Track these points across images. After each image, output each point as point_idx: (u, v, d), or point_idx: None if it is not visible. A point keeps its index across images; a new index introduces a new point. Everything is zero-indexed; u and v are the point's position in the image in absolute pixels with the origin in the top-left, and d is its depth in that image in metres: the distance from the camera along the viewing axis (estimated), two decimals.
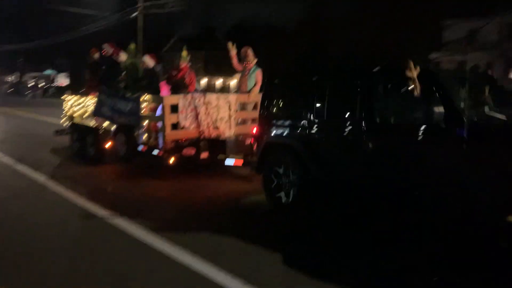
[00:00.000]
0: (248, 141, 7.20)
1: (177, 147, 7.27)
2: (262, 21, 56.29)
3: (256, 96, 8.05)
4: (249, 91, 8.07)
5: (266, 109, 5.97)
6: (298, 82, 5.52)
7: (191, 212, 5.74)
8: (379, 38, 34.57)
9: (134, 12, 32.01)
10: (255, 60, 8.23)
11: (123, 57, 9.01)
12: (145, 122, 7.86)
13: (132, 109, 7.81)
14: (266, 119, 5.90)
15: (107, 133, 8.76)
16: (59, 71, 64.96)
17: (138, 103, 7.71)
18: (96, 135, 8.90)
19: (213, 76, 57.75)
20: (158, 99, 7.64)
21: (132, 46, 9.37)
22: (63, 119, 10.66)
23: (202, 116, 7.34)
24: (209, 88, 57.46)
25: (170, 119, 7.20)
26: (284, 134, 5.58)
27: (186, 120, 7.28)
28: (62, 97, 10.81)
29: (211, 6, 47.76)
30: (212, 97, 7.60)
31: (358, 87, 4.81)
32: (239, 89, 8.38)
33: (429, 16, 31.14)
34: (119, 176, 8.04)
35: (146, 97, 7.72)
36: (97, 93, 9.08)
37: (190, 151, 7.17)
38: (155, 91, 8.16)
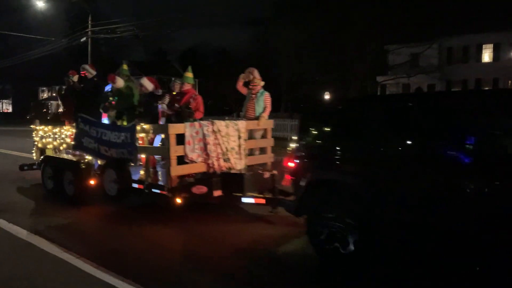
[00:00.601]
0: (267, 175, 6.11)
1: (185, 184, 6.00)
2: (213, 45, 55.45)
3: (266, 122, 7.08)
4: (257, 117, 7.01)
5: (311, 139, 4.89)
6: (379, 109, 4.38)
7: (215, 269, 4.48)
8: (326, 61, 34.73)
9: (83, 37, 30.09)
10: (262, 83, 7.20)
11: (120, 82, 7.51)
12: (142, 155, 6.60)
13: (126, 140, 6.45)
14: (309, 152, 4.84)
15: (89, 168, 7.31)
16: (1, 97, 60.28)
17: (133, 133, 6.38)
18: (77, 170, 7.34)
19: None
20: (161, 128, 6.41)
21: (125, 67, 7.90)
22: (34, 152, 9.11)
23: (211, 146, 6.17)
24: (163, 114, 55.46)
25: (176, 151, 5.96)
26: (341, 170, 4.48)
27: (193, 152, 6.07)
28: (32, 126, 9.22)
29: (162, 31, 46.03)
30: (221, 124, 6.41)
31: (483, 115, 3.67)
32: (245, 115, 7.25)
33: (374, 41, 31.66)
34: (111, 221, 6.52)
35: (144, 126, 6.42)
36: (75, 122, 7.64)
37: (201, 189, 5.85)
38: (154, 119, 6.93)
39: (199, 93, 7.85)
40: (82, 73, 8.05)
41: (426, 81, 34.58)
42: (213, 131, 6.24)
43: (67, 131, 8.11)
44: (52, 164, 8.09)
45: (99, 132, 6.96)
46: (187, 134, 6.05)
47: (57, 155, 8.13)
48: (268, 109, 7.08)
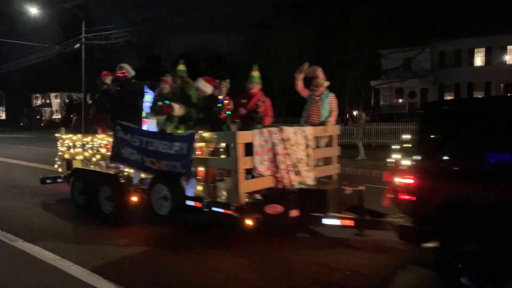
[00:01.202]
0: (350, 190, 5.10)
1: (256, 202, 4.96)
2: (207, 50, 54.61)
3: (334, 128, 6.11)
4: (322, 122, 6.04)
5: (443, 150, 3.89)
6: None
7: None
8: (321, 64, 34.11)
9: (76, 43, 28.75)
10: (327, 83, 6.20)
11: (168, 84, 6.35)
12: (200, 168, 5.55)
13: (181, 151, 5.36)
14: (442, 166, 3.88)
15: (130, 183, 6.20)
16: None
17: (191, 143, 5.30)
18: (116, 185, 6.19)
19: None
20: (226, 137, 5.33)
21: (182, 67, 6.54)
22: (59, 164, 7.91)
23: (280, 157, 5.15)
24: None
25: (245, 163, 4.92)
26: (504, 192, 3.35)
27: (262, 163, 5.05)
28: (57, 135, 7.98)
29: (156, 37, 44.81)
30: (289, 131, 5.37)
31: None
32: (307, 120, 6.26)
33: (367, 45, 31.15)
34: (162, 245, 5.34)
35: (204, 134, 5.35)
36: (111, 130, 6.57)
37: (276, 209, 4.77)
38: (217, 126, 5.83)
39: None
40: (121, 73, 6.75)
41: (419, 85, 34.17)
42: (282, 140, 5.23)
43: (102, 140, 6.96)
44: (84, 178, 6.89)
45: (144, 141, 5.83)
46: (256, 143, 5.00)
47: (90, 168, 6.98)
48: (335, 112, 6.14)
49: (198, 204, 5.32)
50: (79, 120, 26.99)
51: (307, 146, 5.51)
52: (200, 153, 5.50)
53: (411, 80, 32.28)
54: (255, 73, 5.99)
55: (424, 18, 28.92)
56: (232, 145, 4.97)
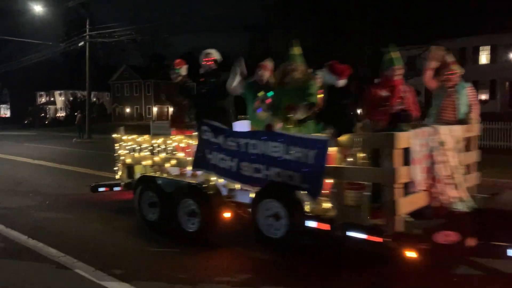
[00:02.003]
0: None
1: (425, 229, 3.81)
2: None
3: (476, 127, 5.11)
4: (461, 120, 4.97)
5: None
6: None
7: None
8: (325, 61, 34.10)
9: (81, 41, 28.80)
10: (461, 70, 5.14)
11: (268, 71, 5.21)
12: (329, 180, 4.24)
13: (305, 158, 4.18)
14: None
15: (220, 195, 5.09)
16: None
17: (323, 151, 4.10)
18: (203, 198, 5.00)
19: (163, 105, 54.55)
20: (378, 140, 4.03)
21: (296, 50, 5.00)
22: (118, 169, 6.85)
23: (440, 166, 4.11)
24: (162, 117, 54.29)
25: (403, 175, 3.86)
26: None
27: (420, 174, 4.02)
28: (115, 136, 6.84)
29: (159, 36, 44.86)
30: (443, 131, 4.28)
31: None
32: (439, 117, 5.14)
33: (369, 44, 31.06)
34: (277, 277, 4.04)
35: (343, 137, 4.13)
36: (192, 131, 5.70)
37: (449, 237, 3.53)
38: (347, 127, 4.64)
39: None
40: (208, 61, 5.62)
41: (423, 83, 34.00)
42: (440, 143, 4.20)
43: (180, 143, 5.78)
44: (157, 188, 5.60)
45: (243, 144, 4.72)
46: (415, 148, 3.95)
47: (163, 176, 5.77)
48: (477, 107, 5.11)
49: (325, 226, 4.16)
50: (83, 118, 27.03)
51: (457, 151, 4.45)
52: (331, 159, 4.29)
53: (416, 78, 32.15)
54: (396, 54, 4.62)
55: (429, 16, 28.81)
56: (386, 150, 3.82)
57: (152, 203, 5.66)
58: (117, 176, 6.87)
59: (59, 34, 51.39)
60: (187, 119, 6.34)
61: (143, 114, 55.69)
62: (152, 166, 6.15)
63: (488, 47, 32.82)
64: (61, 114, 61.43)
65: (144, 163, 6.22)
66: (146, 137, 6.34)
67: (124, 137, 6.66)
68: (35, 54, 33.98)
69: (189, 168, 5.48)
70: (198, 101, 5.89)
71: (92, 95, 41.52)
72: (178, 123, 6.51)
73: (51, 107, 65.94)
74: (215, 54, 5.76)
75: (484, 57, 33.35)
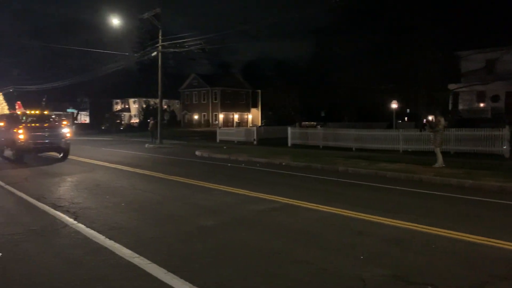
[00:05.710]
0: None
1: None
2: (273, 57, 55.34)
3: None
4: None
5: None
6: None
7: None
8: (389, 70, 32.77)
9: (153, 52, 30.22)
10: None
11: None
12: None
13: None
14: None
15: None
16: (80, 109, 63.12)
17: None
18: None
19: (229, 112, 55.79)
20: None
21: None
22: None
23: None
24: (227, 124, 55.59)
25: None
26: None
27: None
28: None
29: (226, 44, 45.93)
30: None
31: None
32: None
33: (441, 46, 29.32)
34: None
35: None
36: None
37: None
38: None
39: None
40: None
41: (504, 88, 31.52)
42: None
43: None
44: None
45: None
46: None
47: None
48: None
49: None
50: (155, 124, 28.35)
51: None
52: None
53: (495, 82, 29.93)
54: None
55: (510, 16, 26.74)
56: None
57: None
58: None
59: (133, 45, 54.50)
60: None
61: (210, 121, 57.33)
62: None
63: None
64: (135, 120, 65.09)
65: None
66: None
67: None
68: (112, 64, 36.26)
69: None
70: None
71: (163, 103, 43.47)
72: None
73: (126, 113, 70.15)
74: None
75: None
